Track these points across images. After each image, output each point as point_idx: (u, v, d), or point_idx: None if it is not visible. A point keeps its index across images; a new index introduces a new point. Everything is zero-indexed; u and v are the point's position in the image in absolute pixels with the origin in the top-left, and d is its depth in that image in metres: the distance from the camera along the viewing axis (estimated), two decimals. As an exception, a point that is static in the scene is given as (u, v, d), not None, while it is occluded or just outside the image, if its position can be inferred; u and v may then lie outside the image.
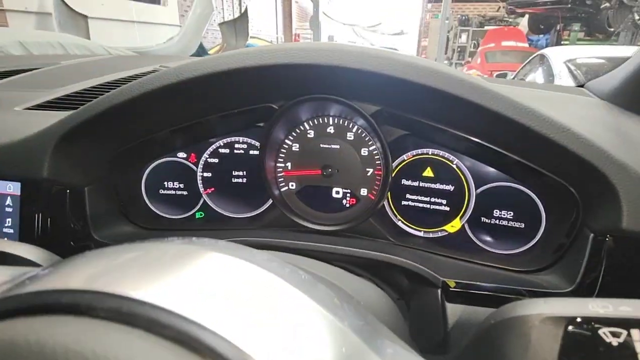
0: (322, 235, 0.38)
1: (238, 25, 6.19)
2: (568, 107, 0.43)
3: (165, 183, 0.41)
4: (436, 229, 0.37)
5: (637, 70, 0.40)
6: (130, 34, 4.59)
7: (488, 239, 0.36)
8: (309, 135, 0.39)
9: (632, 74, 0.41)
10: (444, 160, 0.36)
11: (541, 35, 9.99)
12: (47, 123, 0.35)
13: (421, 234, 0.38)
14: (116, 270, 0.11)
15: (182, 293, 0.10)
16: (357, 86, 0.33)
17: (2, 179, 0.35)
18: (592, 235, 0.28)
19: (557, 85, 0.58)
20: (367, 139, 0.38)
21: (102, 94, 0.34)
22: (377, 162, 0.38)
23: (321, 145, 0.39)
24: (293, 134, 0.39)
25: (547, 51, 4.05)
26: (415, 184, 0.37)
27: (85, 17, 4.24)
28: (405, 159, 0.37)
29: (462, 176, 0.36)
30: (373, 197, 0.38)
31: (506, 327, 0.16)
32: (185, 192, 0.41)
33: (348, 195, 0.40)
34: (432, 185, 0.37)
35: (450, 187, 0.36)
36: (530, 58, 4.43)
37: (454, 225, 0.36)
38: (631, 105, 0.42)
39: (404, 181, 0.38)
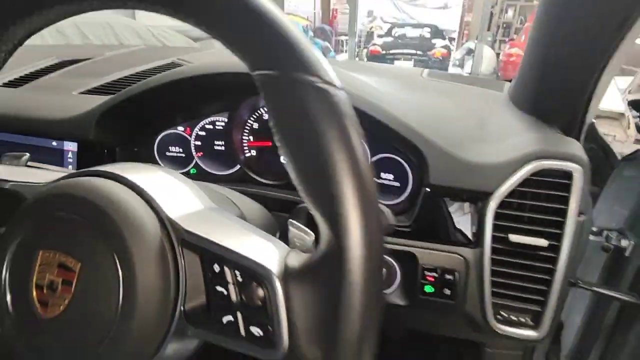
0: (272, 187, 0.55)
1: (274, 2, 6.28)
2: (440, 101, 0.55)
3: (170, 147, 0.59)
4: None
5: (523, 66, 0.51)
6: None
7: (383, 198, 0.51)
8: (264, 117, 0.56)
9: (520, 69, 0.53)
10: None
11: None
12: (93, 104, 0.54)
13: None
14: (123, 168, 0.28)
15: (147, 179, 0.27)
16: None
17: (66, 139, 0.55)
18: (423, 189, 0.43)
19: (485, 80, 0.69)
20: None
21: (128, 84, 0.52)
22: None
23: None
24: (253, 115, 0.56)
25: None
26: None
27: (131, -5, 4.50)
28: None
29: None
30: None
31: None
32: (183, 155, 0.60)
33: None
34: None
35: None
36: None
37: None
38: (515, 100, 0.54)
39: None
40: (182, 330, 0.23)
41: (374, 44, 8.27)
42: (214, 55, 0.88)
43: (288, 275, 0.21)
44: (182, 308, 0.23)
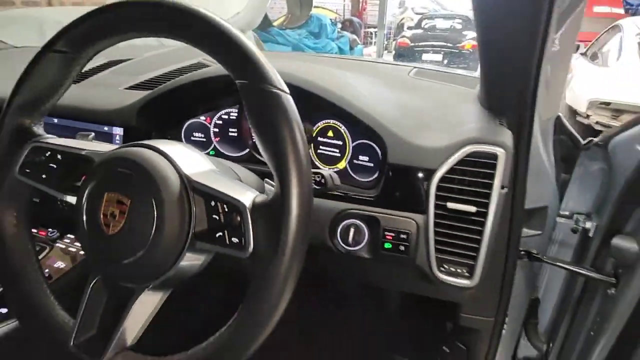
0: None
1: (303, -5, 6.37)
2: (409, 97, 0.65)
3: (194, 133, 0.73)
4: (332, 167, 0.65)
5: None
6: (205, 7, 5.05)
7: (355, 174, 0.63)
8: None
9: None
10: (337, 126, 0.63)
11: (643, -1, 8.61)
12: (134, 98, 0.68)
13: (326, 169, 0.66)
14: (157, 142, 0.41)
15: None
16: None
17: (114, 126, 0.70)
18: (385, 167, 0.54)
19: (466, 78, 0.78)
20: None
21: (163, 82, 0.66)
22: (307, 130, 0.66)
23: None
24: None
25: (625, 22, 3.70)
26: (325, 140, 0.65)
27: (167, -8, 4.72)
28: (320, 125, 0.65)
29: (345, 136, 0.63)
30: None
31: None
32: (204, 139, 0.73)
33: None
34: (331, 141, 0.64)
35: (340, 142, 0.63)
36: (606, 29, 4.05)
37: (339, 165, 0.64)
38: (479, 96, 0.63)
39: (319, 138, 0.66)
40: (193, 245, 0.37)
41: (403, 36, 8.18)
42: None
43: (254, 208, 0.34)
44: (193, 230, 0.36)
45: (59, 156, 0.43)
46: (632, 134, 0.59)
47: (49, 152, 0.43)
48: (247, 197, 0.35)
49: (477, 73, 0.71)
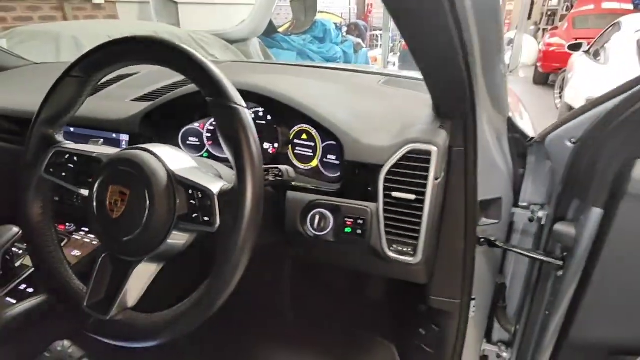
0: None
1: (307, 1, 6.50)
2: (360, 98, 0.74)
3: (190, 138, 0.85)
4: (307, 165, 0.75)
5: None
6: (212, 16, 5.21)
7: (325, 170, 0.73)
8: (253, 117, 0.79)
9: None
10: (309, 130, 0.74)
11: (654, -7, 8.44)
12: (138, 109, 0.80)
13: (302, 166, 0.76)
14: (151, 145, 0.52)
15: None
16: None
17: (121, 133, 0.82)
18: (343, 163, 0.64)
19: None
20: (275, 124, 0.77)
21: (163, 94, 0.77)
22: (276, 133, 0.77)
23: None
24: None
25: (625, 19, 3.71)
26: (299, 142, 0.75)
27: (176, 3, 4.89)
28: (295, 129, 0.75)
29: (316, 138, 0.73)
30: (275, 150, 0.78)
31: None
32: (198, 143, 0.84)
33: (270, 148, 0.79)
34: (305, 142, 0.75)
35: (312, 144, 0.74)
36: (608, 27, 4.05)
37: (312, 163, 0.74)
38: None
39: (295, 140, 0.76)
40: (177, 225, 0.47)
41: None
42: (227, 71, 1.13)
43: (220, 194, 0.45)
44: (176, 213, 0.47)
45: (75, 158, 0.54)
46: (563, 130, 0.68)
47: (67, 155, 0.55)
48: (215, 186, 0.45)
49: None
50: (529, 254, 0.80)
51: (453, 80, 0.57)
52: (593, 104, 0.63)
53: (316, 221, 0.65)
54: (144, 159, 0.48)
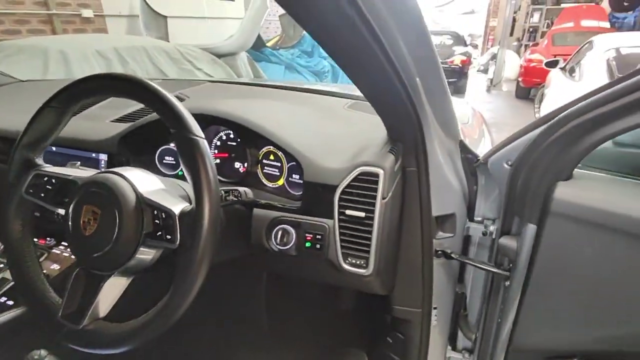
0: (227, 184, 0.83)
1: (296, 16, 6.61)
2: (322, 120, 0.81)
3: (165, 157, 0.90)
4: (274, 183, 0.81)
5: None
6: (201, 30, 5.29)
7: (290, 189, 0.79)
8: (223, 138, 0.85)
9: None
10: (275, 152, 0.80)
11: (630, 13, 8.81)
12: (116, 130, 0.85)
13: (270, 184, 0.82)
14: (122, 169, 0.58)
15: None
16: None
17: (100, 153, 0.87)
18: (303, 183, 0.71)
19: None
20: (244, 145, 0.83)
21: (140, 116, 0.83)
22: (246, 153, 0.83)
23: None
24: (216, 137, 0.85)
25: (597, 38, 3.87)
26: (267, 162, 0.82)
27: (165, 17, 4.95)
28: (263, 150, 0.81)
29: (282, 159, 0.79)
30: (245, 169, 0.84)
31: None
32: (174, 162, 0.90)
33: (241, 167, 0.85)
34: (272, 163, 0.81)
35: (278, 164, 0.80)
36: (583, 45, 4.23)
37: (279, 182, 0.80)
38: None
39: (264, 160, 0.82)
40: (144, 242, 0.53)
41: (394, 53, 8.44)
42: (204, 93, 1.18)
43: (181, 215, 0.51)
44: (143, 231, 0.53)
45: (53, 180, 0.60)
46: (501, 153, 0.75)
47: (46, 177, 0.60)
48: (177, 207, 0.51)
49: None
50: (479, 265, 0.86)
51: (396, 107, 0.64)
52: (526, 129, 0.71)
53: (279, 236, 0.71)
54: (115, 182, 0.54)
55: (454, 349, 1.09)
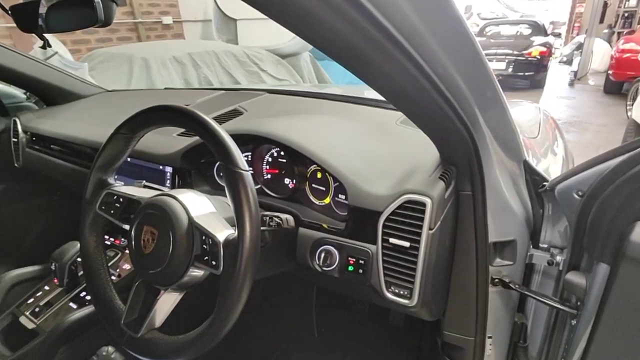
0: (276, 199, 0.86)
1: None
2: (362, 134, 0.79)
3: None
4: (321, 201, 0.82)
5: None
6: (267, 31, 5.48)
7: (336, 208, 0.79)
8: (274, 155, 0.87)
9: None
10: (322, 170, 0.80)
11: None
12: (181, 145, 0.92)
13: (317, 202, 0.83)
14: (177, 192, 0.63)
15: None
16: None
17: (166, 165, 0.95)
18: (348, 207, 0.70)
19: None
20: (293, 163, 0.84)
21: None
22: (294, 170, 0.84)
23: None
24: (268, 154, 0.88)
25: None
26: (315, 179, 0.82)
27: (235, 20, 5.20)
28: (312, 168, 0.82)
29: (328, 178, 0.79)
30: (294, 186, 0.85)
31: None
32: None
33: (290, 183, 0.87)
34: (319, 181, 0.81)
35: (325, 182, 0.80)
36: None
37: (325, 200, 0.81)
38: None
39: (312, 177, 0.83)
40: (193, 263, 0.57)
41: (464, 45, 7.97)
42: (261, 107, 1.22)
43: (225, 243, 0.53)
44: (193, 253, 0.56)
45: (120, 199, 0.66)
46: (571, 182, 0.67)
47: (115, 196, 0.67)
48: (223, 234, 0.54)
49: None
50: (542, 300, 0.79)
51: (446, 128, 0.60)
52: (600, 158, 0.63)
53: (322, 257, 0.71)
54: (170, 206, 0.58)
55: None
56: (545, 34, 7.59)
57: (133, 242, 0.61)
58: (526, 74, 6.96)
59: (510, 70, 7.00)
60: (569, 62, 8.74)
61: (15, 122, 1.41)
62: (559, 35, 10.19)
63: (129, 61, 2.96)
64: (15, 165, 1.44)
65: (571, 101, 6.33)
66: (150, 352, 0.58)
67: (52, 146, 1.34)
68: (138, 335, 0.59)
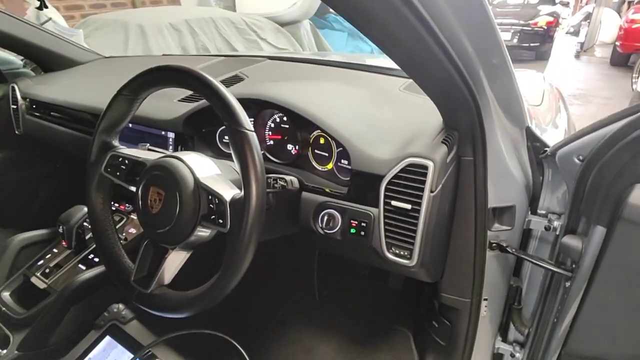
0: (279, 164, 0.87)
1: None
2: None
3: (224, 136, 0.95)
4: (324, 167, 0.83)
5: None
6: (266, -2, 5.29)
7: (339, 173, 0.79)
8: (277, 121, 0.87)
9: None
10: (325, 136, 0.80)
11: None
12: (183, 110, 0.91)
13: (320, 168, 0.84)
14: (182, 153, 0.63)
15: None
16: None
17: (168, 131, 0.95)
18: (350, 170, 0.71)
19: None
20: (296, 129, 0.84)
21: None
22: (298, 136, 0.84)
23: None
24: (270, 120, 0.88)
25: None
26: (318, 145, 0.83)
27: (232, -15, 4.99)
28: (315, 134, 0.82)
29: (331, 144, 0.80)
30: (297, 152, 0.86)
31: None
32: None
33: (293, 149, 0.87)
34: (322, 146, 0.82)
35: (328, 148, 0.81)
36: None
37: (328, 166, 0.82)
38: None
39: (315, 143, 0.83)
40: (200, 223, 0.58)
41: (468, 15, 7.72)
42: (262, 73, 1.20)
43: (232, 202, 0.54)
44: (200, 213, 0.58)
45: (126, 161, 0.67)
46: (572, 147, 0.68)
47: (120, 158, 0.68)
48: (229, 194, 0.55)
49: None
50: (538, 263, 0.81)
51: (450, 92, 0.60)
52: (601, 123, 0.63)
53: (325, 220, 0.73)
54: (176, 167, 0.59)
55: (505, 340, 1.06)
56: (553, 3, 7.35)
57: (140, 203, 0.62)
58: (531, 45, 6.79)
59: (515, 41, 6.82)
60: (576, 33, 8.52)
61: (13, 88, 1.40)
62: (567, 4, 9.87)
63: (124, 28, 2.88)
64: (17, 132, 1.44)
65: (577, 73, 6.23)
66: (160, 307, 0.60)
67: (52, 113, 1.34)
68: (148, 291, 0.61)
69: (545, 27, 6.62)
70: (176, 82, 0.61)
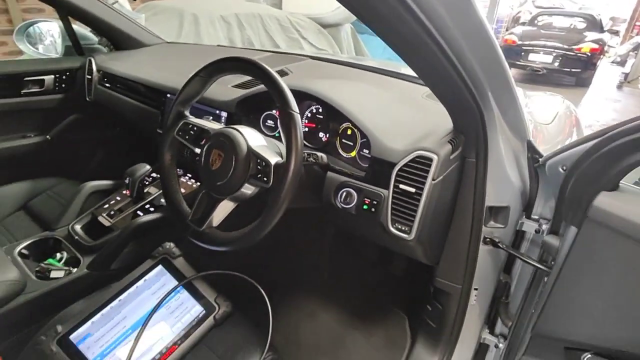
0: (312, 148, 1.03)
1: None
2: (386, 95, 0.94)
3: (268, 120, 1.12)
4: (348, 154, 0.98)
5: None
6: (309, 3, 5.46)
7: (360, 161, 0.95)
8: (313, 111, 1.04)
9: None
10: (352, 128, 0.96)
11: None
12: (236, 94, 1.09)
13: (344, 154, 0.99)
14: (240, 127, 0.81)
15: None
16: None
17: (222, 111, 1.13)
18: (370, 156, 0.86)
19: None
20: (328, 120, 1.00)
21: (254, 85, 1.06)
22: (329, 126, 1.00)
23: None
24: (307, 110, 1.04)
25: None
26: (346, 135, 0.98)
27: (280, -16, 5.17)
28: (344, 125, 0.98)
29: (356, 134, 0.95)
30: (327, 140, 1.02)
31: None
32: (273, 125, 1.11)
33: (324, 137, 1.03)
34: (349, 136, 0.97)
35: (353, 138, 0.96)
36: None
37: (352, 154, 0.97)
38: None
39: (343, 133, 0.99)
40: (248, 179, 0.75)
41: (511, 33, 7.65)
42: (305, 70, 1.37)
43: (275, 166, 0.71)
44: (249, 173, 0.75)
45: (195, 128, 0.85)
46: (559, 158, 0.80)
47: (190, 125, 0.86)
48: (273, 159, 0.72)
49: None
50: (522, 257, 0.94)
51: (460, 103, 0.75)
52: (587, 138, 0.75)
53: (343, 196, 0.89)
54: (235, 136, 0.76)
55: (492, 332, 1.17)
56: (601, 30, 7.19)
57: (203, 161, 0.79)
58: (573, 70, 6.67)
59: (556, 64, 6.72)
60: (622, 63, 8.28)
61: (90, 61, 1.63)
62: (616, 32, 9.59)
63: (179, 16, 3.11)
64: (87, 99, 1.67)
65: (616, 104, 6.10)
66: (210, 241, 0.78)
67: (118, 85, 1.56)
68: (201, 229, 0.79)
69: (589, 54, 6.49)
70: (241, 70, 0.79)
